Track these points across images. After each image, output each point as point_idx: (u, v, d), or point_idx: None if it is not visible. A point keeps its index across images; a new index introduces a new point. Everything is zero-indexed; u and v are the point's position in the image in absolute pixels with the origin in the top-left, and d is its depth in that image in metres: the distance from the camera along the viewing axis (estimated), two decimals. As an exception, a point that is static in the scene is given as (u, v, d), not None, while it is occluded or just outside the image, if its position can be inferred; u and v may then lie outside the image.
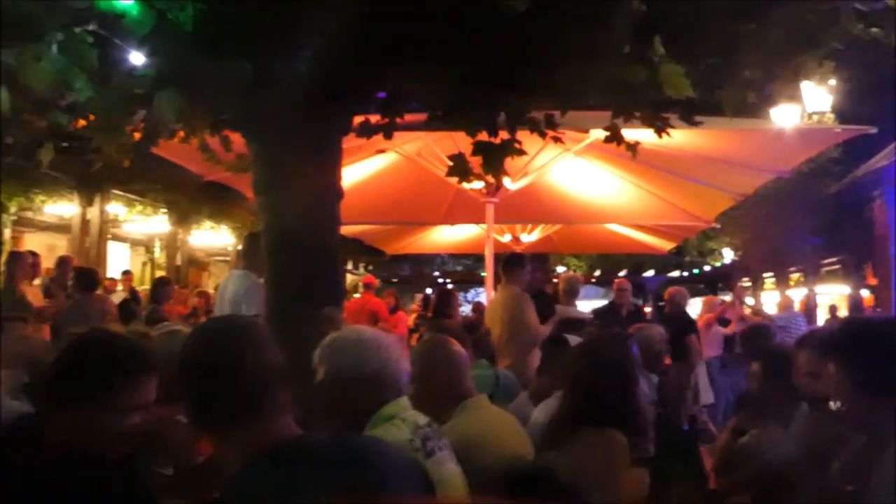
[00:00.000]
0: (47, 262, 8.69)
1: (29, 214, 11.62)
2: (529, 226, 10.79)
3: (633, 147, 4.68)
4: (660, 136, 4.42)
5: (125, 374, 1.86)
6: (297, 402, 1.76)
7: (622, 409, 2.47)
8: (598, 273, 26.41)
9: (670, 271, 28.21)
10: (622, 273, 22.72)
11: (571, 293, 6.99)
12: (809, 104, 8.84)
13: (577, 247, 16.28)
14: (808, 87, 7.86)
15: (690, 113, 4.29)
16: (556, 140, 4.70)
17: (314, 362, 2.28)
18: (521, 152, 4.56)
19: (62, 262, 8.12)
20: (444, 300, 7.94)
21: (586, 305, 9.70)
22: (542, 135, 4.56)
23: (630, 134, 4.72)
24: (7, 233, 10.89)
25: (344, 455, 1.60)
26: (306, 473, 1.49)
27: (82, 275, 7.15)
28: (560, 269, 22.49)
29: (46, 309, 6.35)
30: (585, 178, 8.67)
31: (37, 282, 7.51)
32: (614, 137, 4.61)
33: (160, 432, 2.21)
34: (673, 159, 7.31)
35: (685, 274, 28.26)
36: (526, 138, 4.61)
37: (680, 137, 5.27)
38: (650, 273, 27.64)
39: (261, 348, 1.66)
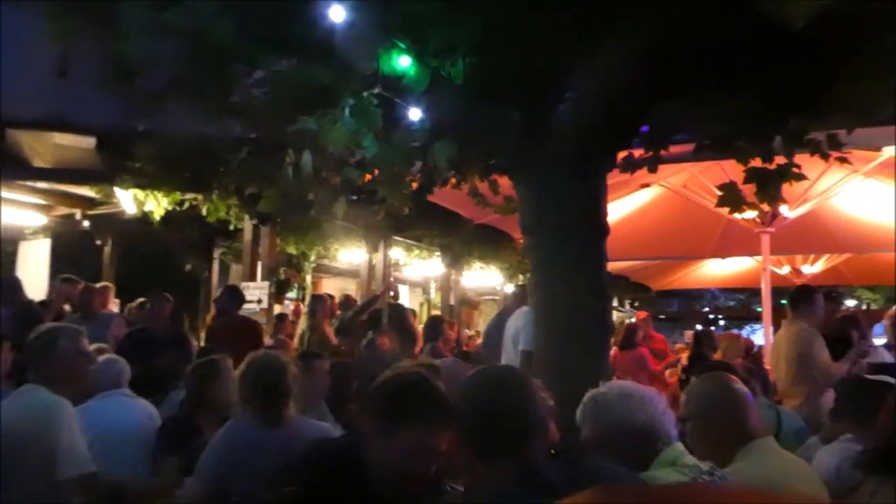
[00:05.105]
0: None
1: (325, 262, 12.99)
2: (812, 256, 9.96)
3: (937, 162, 4.16)
4: (974, 149, 3.89)
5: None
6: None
7: None
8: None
9: None
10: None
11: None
12: None
13: (871, 278, 14.58)
14: None
15: None
16: (842, 161, 4.31)
17: (577, 420, 2.33)
18: (801, 177, 4.24)
19: (347, 301, 9.06)
20: (702, 343, 7.58)
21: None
22: (825, 156, 4.21)
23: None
24: (308, 279, 12.30)
25: (573, 482, 1.68)
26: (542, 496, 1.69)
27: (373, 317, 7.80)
28: (850, 302, 20.24)
29: (342, 348, 7.03)
30: (878, 200, 7.81)
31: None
32: (913, 153, 4.13)
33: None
34: None
35: None
36: (805, 161, 4.28)
37: None
38: (967, 306, 23.84)
39: (528, 399, 1.93)
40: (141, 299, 7.61)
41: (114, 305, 8.28)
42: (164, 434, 3.76)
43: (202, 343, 7.05)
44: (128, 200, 9.29)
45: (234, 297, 6.96)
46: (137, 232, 10.43)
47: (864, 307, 20.67)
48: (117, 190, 9.23)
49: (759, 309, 8.37)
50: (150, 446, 3.81)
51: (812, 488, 2.55)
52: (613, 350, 8.57)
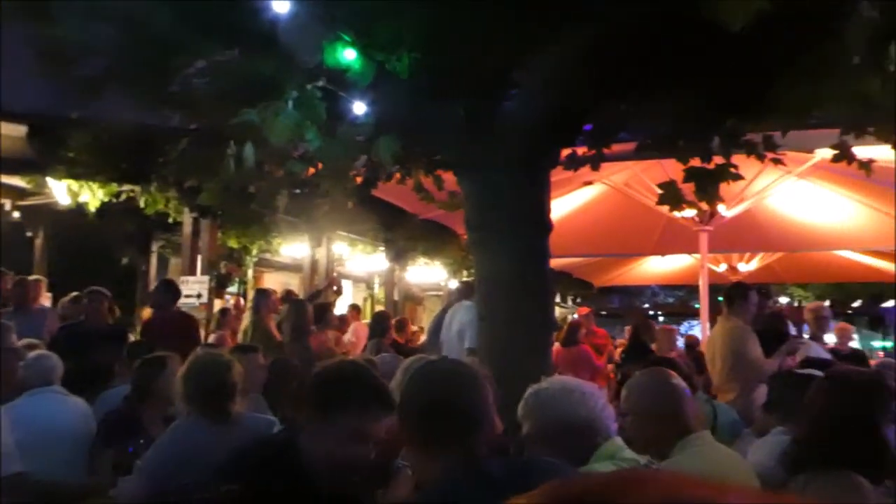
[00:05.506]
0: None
1: (267, 256, 12.79)
2: (747, 254, 10.23)
3: (866, 165, 4.30)
4: (900, 153, 4.04)
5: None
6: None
7: (869, 453, 2.25)
8: (827, 304, 24.17)
9: (915, 301, 25.15)
10: (856, 304, 20.65)
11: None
12: None
13: (803, 276, 15.10)
14: None
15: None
16: (777, 162, 4.44)
17: (519, 415, 2.34)
18: (738, 177, 4.35)
19: (288, 296, 8.99)
20: (641, 332, 7.78)
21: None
22: (761, 157, 4.33)
23: (862, 151, 4.35)
24: (250, 273, 12.10)
25: (514, 476, 1.81)
26: (483, 492, 1.74)
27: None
28: (783, 299, 20.89)
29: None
30: (811, 201, 8.07)
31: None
32: (844, 156, 4.26)
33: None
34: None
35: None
36: (742, 162, 4.39)
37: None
38: (891, 304, 24.84)
39: (473, 393, 1.92)
40: (74, 293, 7.36)
41: (46, 300, 8.01)
42: (105, 428, 3.68)
43: (138, 337, 6.87)
44: (61, 191, 9.00)
45: (170, 290, 6.81)
46: (71, 224, 10.08)
47: (795, 304, 21.34)
48: (50, 180, 8.92)
49: (698, 305, 8.56)
50: (84, 445, 3.70)
51: (746, 480, 2.62)
52: (556, 346, 8.69)
